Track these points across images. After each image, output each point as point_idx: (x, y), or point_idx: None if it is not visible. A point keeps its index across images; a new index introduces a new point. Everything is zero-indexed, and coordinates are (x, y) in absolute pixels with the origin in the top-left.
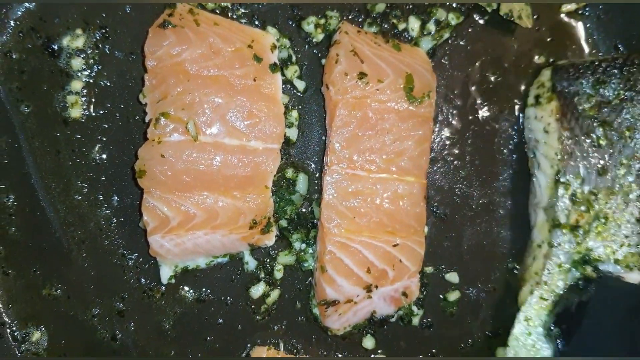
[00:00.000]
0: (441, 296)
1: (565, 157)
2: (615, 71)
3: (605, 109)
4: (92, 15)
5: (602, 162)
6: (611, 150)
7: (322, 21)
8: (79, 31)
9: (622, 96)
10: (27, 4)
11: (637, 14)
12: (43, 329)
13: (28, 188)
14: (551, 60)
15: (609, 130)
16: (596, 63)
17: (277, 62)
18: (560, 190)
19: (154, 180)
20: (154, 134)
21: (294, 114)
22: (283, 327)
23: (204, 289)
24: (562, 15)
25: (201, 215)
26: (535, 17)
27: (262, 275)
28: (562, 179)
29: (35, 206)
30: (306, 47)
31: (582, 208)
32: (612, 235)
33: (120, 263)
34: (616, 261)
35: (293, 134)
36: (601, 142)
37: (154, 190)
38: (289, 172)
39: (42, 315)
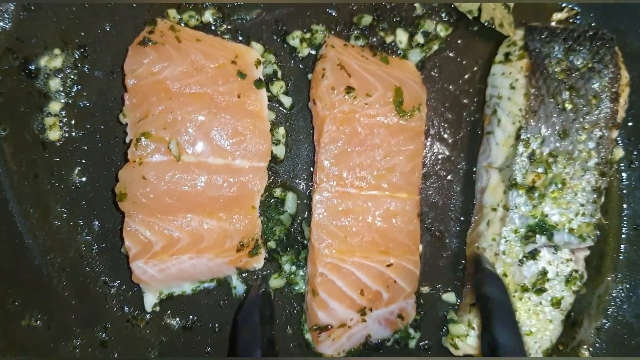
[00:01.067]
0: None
1: (529, 114)
2: (586, 42)
3: (574, 75)
4: (70, 34)
5: (565, 124)
6: (575, 115)
7: (308, 35)
8: (57, 51)
9: (590, 66)
10: (2, 24)
11: (627, 24)
12: None
13: (5, 214)
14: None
15: (575, 95)
16: (568, 31)
17: (262, 77)
18: (520, 148)
19: (136, 204)
20: (134, 155)
21: (281, 130)
22: None
23: (190, 316)
24: (553, 24)
25: (185, 239)
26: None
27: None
28: (523, 136)
29: (13, 233)
30: (292, 62)
31: (540, 169)
32: (568, 203)
33: (103, 291)
34: (571, 230)
35: (280, 151)
36: (566, 105)
37: (136, 213)
38: (277, 192)
39: (21, 346)
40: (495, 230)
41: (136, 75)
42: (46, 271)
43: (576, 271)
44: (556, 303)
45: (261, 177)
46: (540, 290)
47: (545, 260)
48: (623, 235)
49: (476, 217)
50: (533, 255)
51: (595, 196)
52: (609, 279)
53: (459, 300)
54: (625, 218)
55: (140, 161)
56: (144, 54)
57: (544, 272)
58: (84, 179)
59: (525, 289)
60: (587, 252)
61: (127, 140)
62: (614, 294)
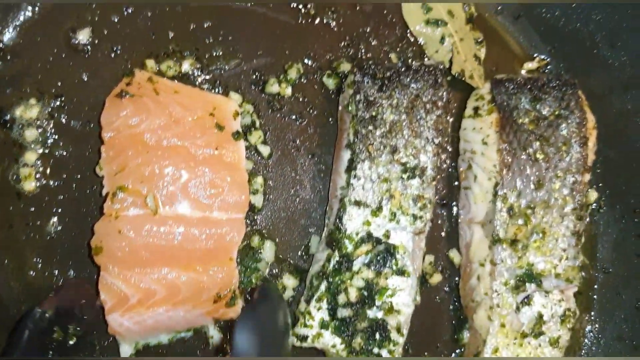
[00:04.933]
0: None
1: (504, 169)
2: (551, 90)
3: (543, 124)
4: (47, 84)
5: (538, 175)
6: (547, 165)
7: (282, 77)
8: (33, 101)
9: (557, 113)
10: None
11: (596, 74)
12: None
13: None
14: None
15: (545, 145)
16: (533, 81)
17: (240, 129)
18: (499, 204)
19: (111, 257)
20: (110, 209)
21: (259, 180)
22: None
23: None
24: (523, 72)
25: (162, 292)
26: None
27: (229, 348)
28: (500, 192)
29: None
30: (270, 111)
31: (520, 222)
32: (551, 250)
33: None
34: (557, 275)
35: (258, 200)
36: (538, 155)
37: (112, 267)
38: (255, 240)
39: None
40: (487, 285)
41: (113, 128)
42: None
43: (569, 309)
44: (554, 342)
45: (239, 229)
46: (539, 334)
47: (539, 304)
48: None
49: (467, 271)
50: (527, 301)
51: (575, 239)
52: (585, 317)
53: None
54: (598, 261)
55: (116, 215)
56: (121, 106)
57: (540, 316)
58: (59, 229)
59: (524, 335)
60: (575, 289)
61: (104, 193)
62: (587, 331)
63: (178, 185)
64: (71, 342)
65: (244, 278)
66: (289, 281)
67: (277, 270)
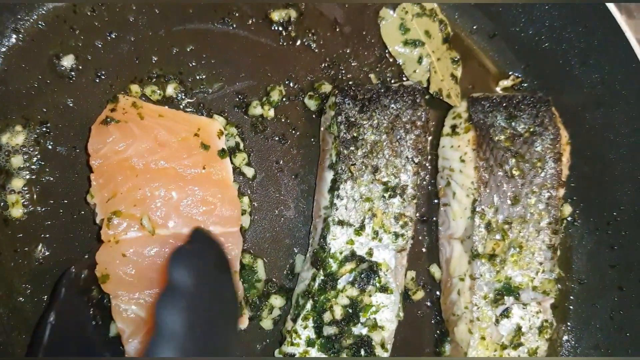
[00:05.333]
0: None
1: (481, 186)
2: (525, 107)
3: (518, 141)
4: (32, 111)
5: (514, 191)
6: (523, 181)
7: (265, 99)
8: (18, 127)
9: (532, 130)
10: None
11: (569, 91)
12: None
13: None
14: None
15: (521, 161)
16: (508, 98)
17: (225, 147)
18: (477, 220)
19: (120, 283)
20: (108, 235)
21: (245, 200)
22: None
23: None
24: (498, 89)
25: None
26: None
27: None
28: (478, 209)
29: None
30: (253, 133)
31: (498, 237)
32: (528, 263)
33: None
34: (534, 288)
35: (246, 221)
36: (514, 172)
37: (121, 292)
38: (247, 258)
39: None
40: (467, 299)
41: (100, 155)
42: (11, 349)
43: (546, 321)
44: (533, 353)
45: (237, 242)
46: (518, 345)
47: (518, 317)
48: (573, 286)
49: (447, 286)
50: (506, 314)
51: (551, 253)
52: (562, 327)
53: None
54: (573, 272)
55: (116, 240)
56: (107, 133)
57: (518, 328)
58: (47, 254)
59: (504, 347)
60: (552, 300)
61: (98, 221)
62: (564, 341)
63: (170, 205)
64: (108, 303)
65: (245, 290)
66: (276, 301)
67: (265, 289)
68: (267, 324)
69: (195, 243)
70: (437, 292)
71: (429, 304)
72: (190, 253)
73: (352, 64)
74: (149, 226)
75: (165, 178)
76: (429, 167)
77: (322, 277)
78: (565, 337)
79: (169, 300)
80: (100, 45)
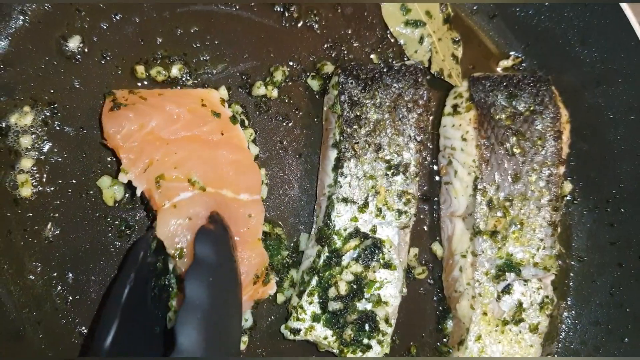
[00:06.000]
0: None
1: (483, 164)
2: (526, 86)
3: (519, 120)
4: (39, 92)
5: (515, 169)
6: (524, 159)
7: (268, 79)
8: (26, 108)
9: (532, 108)
10: None
11: (568, 70)
12: None
13: None
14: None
15: (522, 139)
16: (509, 78)
17: (233, 114)
18: (479, 197)
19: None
20: (162, 200)
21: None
22: None
23: None
24: (499, 69)
25: None
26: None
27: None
28: (479, 186)
29: None
30: (257, 113)
31: (499, 214)
32: (529, 240)
33: (79, 342)
34: (535, 264)
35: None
36: (515, 150)
37: None
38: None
39: None
40: (469, 275)
41: (123, 135)
42: (21, 326)
43: (547, 297)
44: (534, 329)
45: (260, 209)
46: (519, 321)
47: (519, 293)
48: (573, 263)
49: (449, 263)
50: (507, 290)
51: (552, 230)
52: (562, 304)
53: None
54: (573, 249)
55: (174, 205)
56: (121, 115)
57: (519, 304)
58: (57, 233)
59: (505, 323)
60: (553, 277)
61: (138, 194)
62: (564, 317)
63: (208, 166)
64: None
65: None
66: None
67: (284, 261)
68: (281, 298)
69: (216, 224)
70: (439, 270)
71: (431, 281)
72: (213, 233)
73: (354, 45)
74: (200, 181)
75: (195, 143)
76: (431, 146)
77: (326, 254)
78: (565, 314)
79: (197, 274)
80: (105, 27)
